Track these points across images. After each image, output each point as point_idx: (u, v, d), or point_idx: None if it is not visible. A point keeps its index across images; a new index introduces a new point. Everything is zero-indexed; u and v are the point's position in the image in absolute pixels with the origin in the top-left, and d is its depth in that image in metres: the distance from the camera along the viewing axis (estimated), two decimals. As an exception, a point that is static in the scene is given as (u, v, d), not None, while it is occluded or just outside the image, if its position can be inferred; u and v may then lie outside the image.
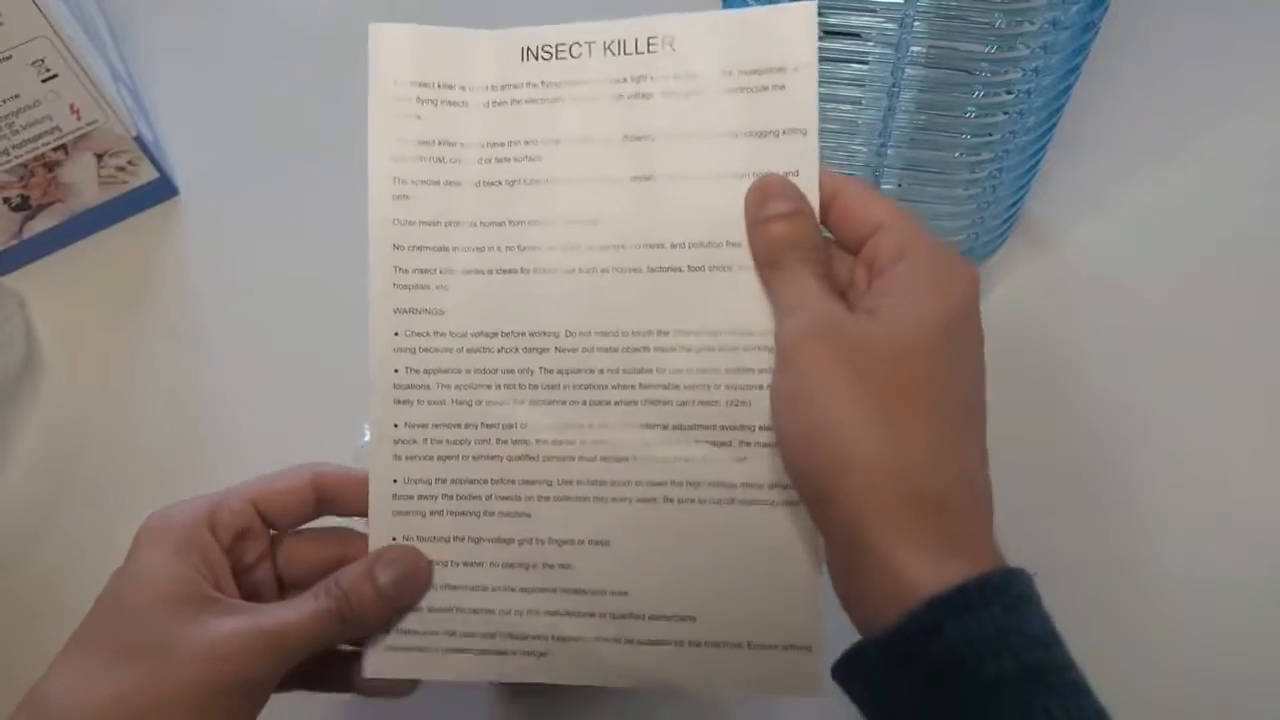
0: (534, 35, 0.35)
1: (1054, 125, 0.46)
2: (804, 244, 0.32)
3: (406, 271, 0.35)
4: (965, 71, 0.42)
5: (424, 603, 0.35)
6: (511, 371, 0.35)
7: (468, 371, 0.35)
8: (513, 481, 0.35)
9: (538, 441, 0.34)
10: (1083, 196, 0.58)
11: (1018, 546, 0.48)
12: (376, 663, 0.35)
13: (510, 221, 0.35)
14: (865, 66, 0.43)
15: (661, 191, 0.34)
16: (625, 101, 0.34)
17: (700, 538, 0.34)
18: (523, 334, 0.35)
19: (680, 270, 0.34)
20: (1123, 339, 0.54)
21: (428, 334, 0.35)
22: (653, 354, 0.34)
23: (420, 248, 0.35)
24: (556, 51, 0.34)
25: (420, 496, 0.35)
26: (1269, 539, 0.48)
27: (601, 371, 0.34)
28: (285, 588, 0.36)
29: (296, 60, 0.69)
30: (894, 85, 0.43)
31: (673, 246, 0.34)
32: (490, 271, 0.35)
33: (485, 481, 0.35)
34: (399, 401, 0.35)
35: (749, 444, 0.33)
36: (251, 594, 0.35)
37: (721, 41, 0.33)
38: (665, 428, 0.34)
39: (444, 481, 0.35)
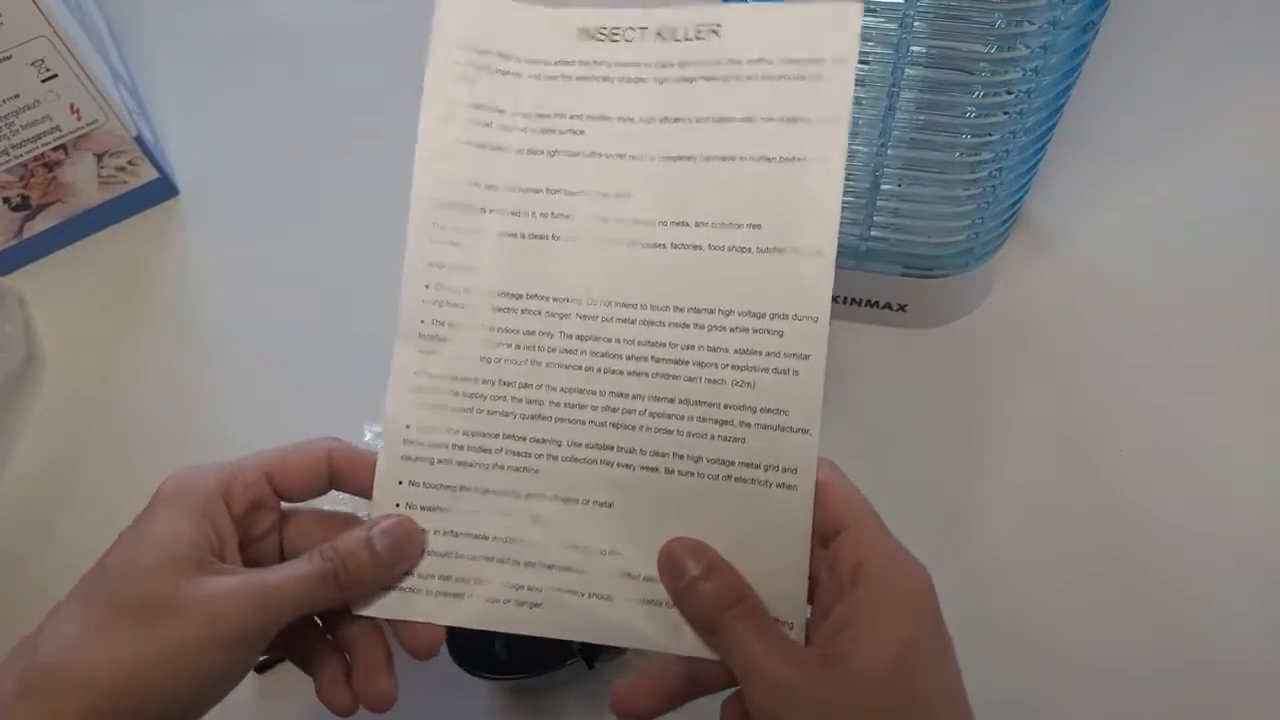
0: (593, 17, 0.37)
1: (1054, 125, 0.46)
2: (732, 598, 0.33)
3: (443, 228, 0.37)
4: (965, 71, 0.42)
5: (425, 547, 0.36)
6: (533, 333, 0.36)
7: (491, 329, 0.36)
8: (523, 438, 0.36)
9: (551, 403, 0.36)
10: (1083, 196, 0.58)
11: (1019, 547, 0.48)
12: (369, 601, 0.36)
13: (548, 189, 0.36)
14: (865, 66, 0.43)
15: (694, 171, 0.35)
16: (670, 85, 0.36)
17: (697, 510, 0.35)
18: (546, 298, 0.36)
19: (701, 248, 0.35)
20: (1123, 339, 0.54)
21: (457, 289, 0.36)
22: (667, 329, 0.35)
23: (458, 206, 0.37)
24: (611, 34, 0.36)
25: (431, 444, 0.36)
26: (1270, 538, 0.48)
27: (618, 341, 0.35)
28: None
29: (296, 60, 0.69)
30: (894, 85, 0.43)
31: (697, 225, 0.35)
32: (523, 236, 0.36)
33: (497, 435, 0.36)
34: (422, 351, 0.36)
35: (749, 425, 0.34)
36: (255, 564, 0.35)
37: (766, 31, 0.35)
38: (673, 400, 0.35)
39: (456, 432, 0.36)
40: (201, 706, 0.33)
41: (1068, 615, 0.47)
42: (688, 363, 0.35)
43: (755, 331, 0.34)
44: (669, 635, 0.34)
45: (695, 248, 0.35)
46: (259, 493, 0.35)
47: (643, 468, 0.35)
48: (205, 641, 0.31)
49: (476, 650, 0.45)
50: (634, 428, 0.35)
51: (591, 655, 0.43)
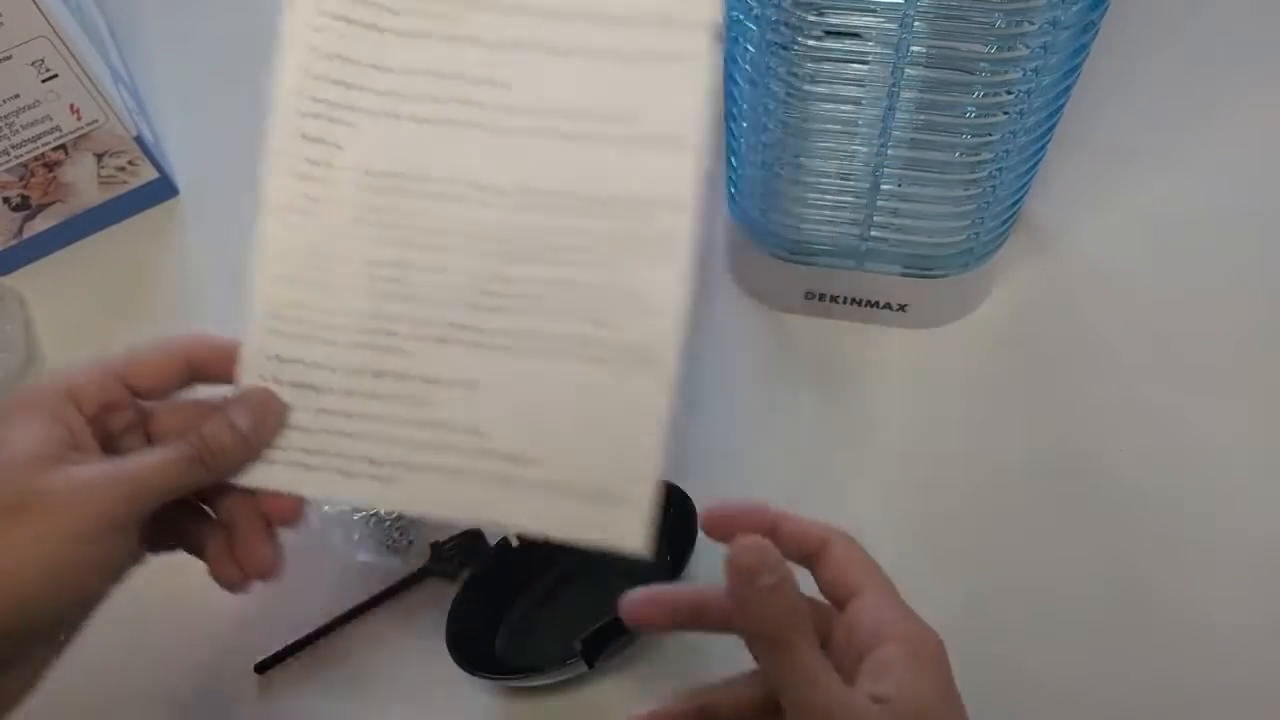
0: None
1: (1054, 125, 0.46)
2: (796, 613, 0.32)
3: (315, 100, 0.36)
4: (965, 71, 0.42)
5: (291, 421, 0.36)
6: (400, 212, 0.36)
7: (355, 205, 0.36)
8: (390, 318, 0.36)
9: (418, 283, 0.36)
10: (1083, 196, 0.58)
11: (1018, 547, 0.48)
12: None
13: (425, 72, 0.36)
14: (865, 66, 0.43)
15: (572, 65, 0.36)
16: None
17: (559, 390, 0.35)
18: (416, 178, 0.36)
19: (576, 139, 0.35)
20: (1123, 339, 0.54)
21: (323, 164, 0.36)
22: (539, 214, 0.35)
23: (333, 81, 0.36)
24: None
25: (297, 319, 0.36)
26: (1270, 538, 0.48)
27: (489, 224, 0.36)
28: None
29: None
30: (894, 85, 0.43)
31: (573, 116, 0.36)
32: (396, 116, 0.36)
33: (363, 314, 0.36)
34: (288, 227, 0.36)
35: (615, 307, 0.35)
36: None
37: None
38: (542, 282, 0.35)
39: (321, 309, 0.36)
40: (82, 603, 0.33)
41: (1067, 615, 0.47)
42: (558, 246, 0.35)
43: (626, 219, 0.35)
44: (517, 512, 0.35)
45: (571, 138, 0.35)
46: (111, 394, 0.35)
47: (509, 348, 0.35)
48: (73, 535, 0.31)
49: (476, 650, 0.45)
50: (503, 310, 0.35)
51: (592, 655, 0.43)
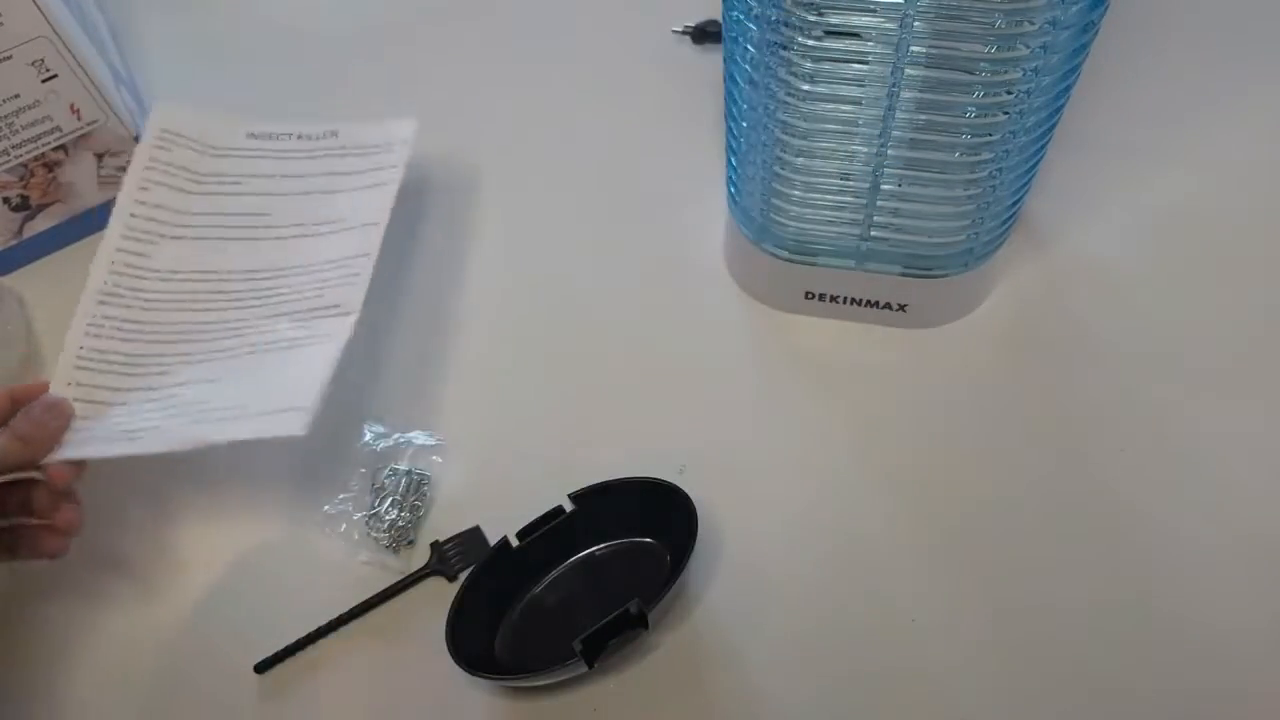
0: (255, 122, 0.59)
1: (1054, 125, 0.46)
2: None
3: (133, 230, 0.54)
4: (965, 71, 0.42)
5: (81, 424, 0.48)
6: (183, 294, 0.54)
7: (153, 292, 0.53)
8: (164, 356, 0.52)
9: (187, 332, 0.52)
10: (1083, 196, 0.58)
11: (1019, 546, 0.48)
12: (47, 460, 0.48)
13: (211, 212, 0.56)
14: (865, 66, 0.43)
15: (310, 198, 0.57)
16: (297, 158, 0.59)
17: (267, 368, 0.51)
18: (204, 272, 0.54)
19: (310, 236, 0.56)
20: (1122, 338, 0.54)
21: (133, 266, 0.54)
22: (276, 278, 0.54)
23: (146, 218, 0.55)
24: (266, 135, 0.59)
25: (96, 360, 0.50)
26: (1268, 537, 0.48)
27: (239, 292, 0.54)
28: None
29: (295, 61, 0.69)
30: (894, 85, 0.43)
31: (311, 224, 0.56)
32: (189, 239, 0.55)
33: (145, 356, 0.51)
34: (100, 302, 0.52)
35: (312, 315, 0.52)
36: None
37: (362, 131, 0.59)
38: (278, 315, 0.53)
39: (116, 354, 0.51)
40: None
41: (1067, 615, 0.47)
42: (288, 294, 0.53)
43: (323, 270, 0.54)
44: (227, 433, 0.47)
45: (309, 236, 0.56)
46: None
47: (242, 354, 0.51)
48: None
49: (476, 650, 0.45)
50: (241, 336, 0.52)
51: (592, 655, 0.43)
